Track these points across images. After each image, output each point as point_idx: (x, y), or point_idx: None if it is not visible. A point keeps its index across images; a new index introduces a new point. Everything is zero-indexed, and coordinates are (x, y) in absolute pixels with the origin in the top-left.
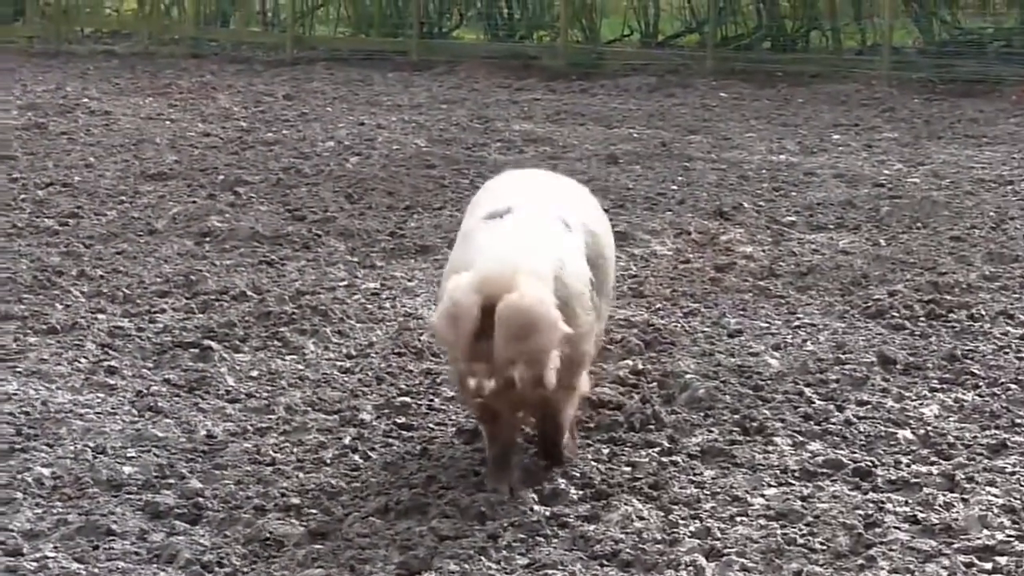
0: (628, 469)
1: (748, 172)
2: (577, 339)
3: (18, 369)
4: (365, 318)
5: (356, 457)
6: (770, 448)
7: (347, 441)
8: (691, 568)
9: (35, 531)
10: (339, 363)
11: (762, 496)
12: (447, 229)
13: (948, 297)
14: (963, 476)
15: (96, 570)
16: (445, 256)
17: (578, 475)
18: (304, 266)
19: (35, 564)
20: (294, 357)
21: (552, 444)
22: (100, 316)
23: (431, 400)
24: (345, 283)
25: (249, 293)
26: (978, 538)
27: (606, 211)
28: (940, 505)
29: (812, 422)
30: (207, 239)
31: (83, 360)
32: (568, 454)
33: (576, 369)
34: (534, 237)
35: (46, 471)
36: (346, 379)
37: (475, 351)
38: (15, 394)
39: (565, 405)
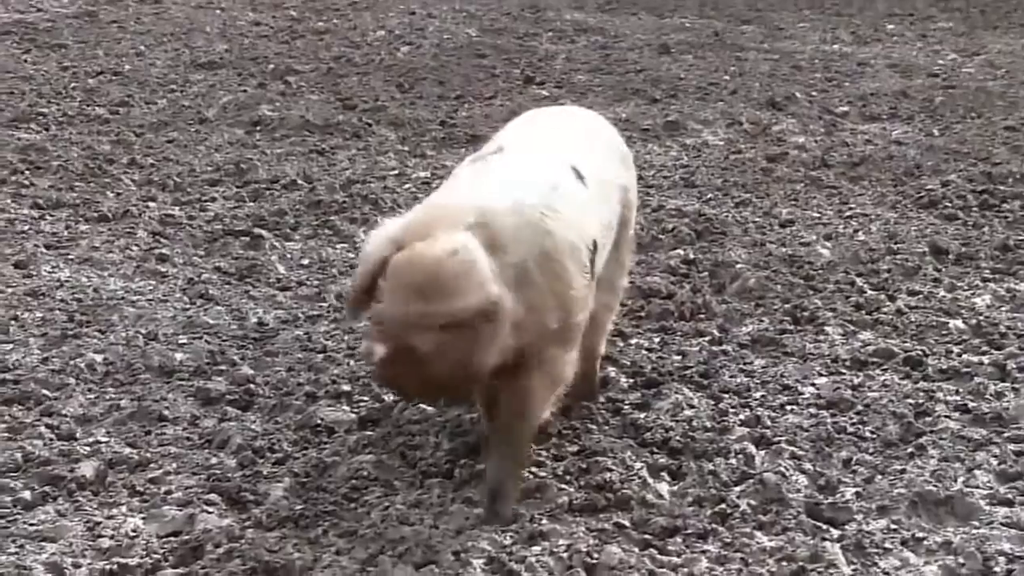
0: (678, 358)
1: (801, 62)
2: (564, 306)
3: (70, 256)
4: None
5: None
6: (821, 338)
7: None
8: (741, 456)
9: (88, 416)
10: None
11: (812, 385)
12: (497, 119)
13: (1001, 187)
14: (1014, 366)
15: (148, 455)
16: None
17: (628, 363)
18: (355, 155)
19: (88, 448)
20: (344, 246)
21: (508, 435)
22: (151, 204)
23: None
24: (396, 172)
25: (300, 182)
26: None
27: (655, 101)
28: (991, 395)
29: (863, 312)
30: (257, 128)
31: (135, 248)
32: (527, 452)
33: (558, 343)
34: (514, 182)
35: (98, 357)
36: None
37: (372, 311)
38: (67, 281)
39: (535, 388)
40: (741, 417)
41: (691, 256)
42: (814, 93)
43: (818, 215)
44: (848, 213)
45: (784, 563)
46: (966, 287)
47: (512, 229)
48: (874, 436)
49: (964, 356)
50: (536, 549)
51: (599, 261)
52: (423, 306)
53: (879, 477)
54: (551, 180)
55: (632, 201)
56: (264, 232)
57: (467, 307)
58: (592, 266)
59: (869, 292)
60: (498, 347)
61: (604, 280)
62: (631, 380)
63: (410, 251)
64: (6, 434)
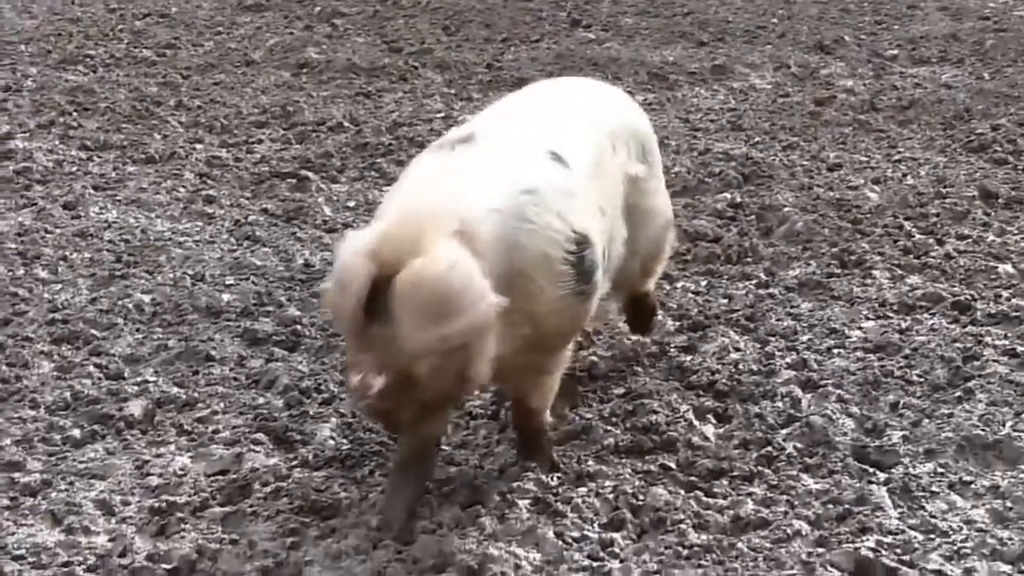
0: (725, 301)
1: (849, 5)
2: (533, 322)
3: (118, 198)
4: None
5: None
6: (868, 281)
7: None
8: (787, 399)
9: (136, 356)
10: None
11: (859, 329)
12: (544, 62)
13: None
14: None
15: (196, 394)
16: None
17: (675, 306)
18: (401, 98)
19: (136, 388)
20: (390, 188)
21: (526, 434)
22: (198, 146)
23: None
24: (442, 115)
25: (346, 124)
26: None
27: (703, 44)
28: None
29: (911, 256)
30: (304, 70)
31: (182, 189)
32: (546, 446)
33: (548, 352)
34: (486, 182)
35: (146, 298)
36: None
37: (363, 337)
38: (115, 222)
39: (533, 389)
40: (787, 360)
41: (738, 199)
42: (863, 36)
43: (866, 159)
44: (897, 157)
45: (830, 506)
46: (1016, 231)
47: (488, 239)
48: (921, 380)
49: (1013, 300)
50: (582, 490)
51: (604, 251)
52: (440, 329)
53: (926, 421)
54: (525, 180)
55: (649, 190)
56: (310, 174)
57: (476, 324)
58: (582, 263)
59: (917, 236)
60: (493, 356)
61: (639, 269)
62: (677, 323)
63: (412, 271)
64: (56, 373)
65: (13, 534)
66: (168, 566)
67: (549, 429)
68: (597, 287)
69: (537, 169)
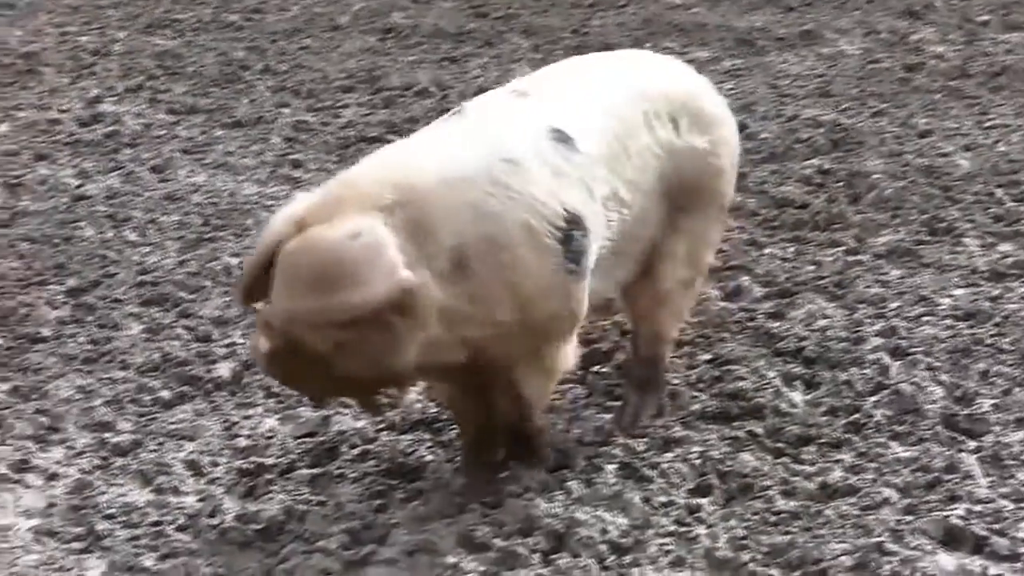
0: (813, 268)
1: None
2: (520, 298)
3: (205, 161)
4: None
5: None
6: (958, 249)
7: None
8: (876, 366)
9: (223, 318)
10: None
11: (950, 296)
12: (630, 28)
13: None
14: None
15: None
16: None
17: (762, 273)
18: (487, 63)
19: (224, 350)
20: None
21: (518, 433)
22: (284, 110)
23: None
24: None
25: (432, 89)
26: None
27: (791, 10)
28: None
29: (1003, 223)
30: (390, 35)
31: (269, 153)
32: (542, 448)
33: (538, 340)
34: (458, 153)
35: (234, 260)
36: None
37: (266, 301)
38: (203, 185)
39: (528, 383)
40: (876, 327)
41: (826, 166)
42: (954, 1)
43: (957, 125)
44: (988, 124)
45: (919, 473)
46: None
47: (442, 209)
48: (1012, 348)
49: None
50: (668, 455)
51: (600, 237)
52: (313, 301)
53: (1017, 389)
54: (507, 150)
55: (711, 168)
56: (396, 139)
57: (369, 299)
58: (570, 242)
59: (1009, 204)
60: (422, 343)
61: (677, 252)
62: (764, 290)
63: (303, 237)
64: (145, 335)
65: (104, 494)
66: (257, 527)
67: (544, 429)
68: (587, 271)
69: (526, 144)
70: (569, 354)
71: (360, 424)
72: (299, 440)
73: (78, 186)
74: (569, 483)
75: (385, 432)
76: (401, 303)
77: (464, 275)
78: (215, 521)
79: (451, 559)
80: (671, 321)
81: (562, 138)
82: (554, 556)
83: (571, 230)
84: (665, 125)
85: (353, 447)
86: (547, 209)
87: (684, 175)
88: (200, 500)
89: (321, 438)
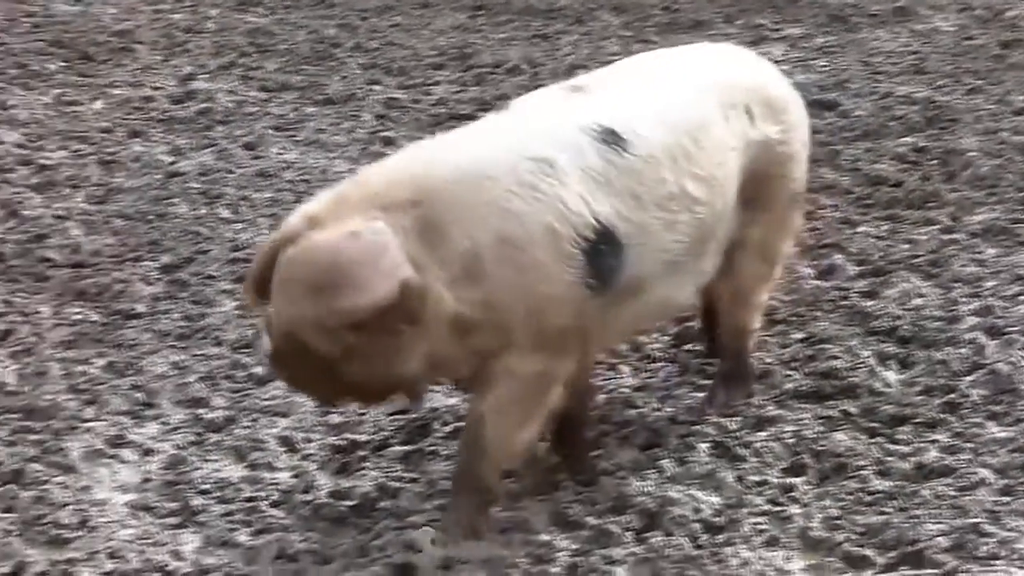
0: (907, 246)
1: None
2: (534, 306)
3: (297, 138)
4: None
5: None
6: None
7: None
8: (971, 346)
9: None
10: None
11: None
12: (722, 4)
13: None
14: None
15: None
16: (719, 33)
17: (855, 251)
18: (577, 40)
19: None
20: None
21: (460, 486)
22: (376, 87)
23: None
24: (619, 57)
25: (523, 67)
26: None
27: None
28: None
29: None
30: (481, 12)
31: (360, 131)
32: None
33: (533, 349)
34: (485, 152)
35: None
36: None
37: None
38: (295, 162)
39: (498, 406)
40: (972, 307)
41: (921, 144)
42: None
43: None
44: None
45: (1016, 454)
46: None
47: (458, 208)
48: None
49: None
50: (762, 435)
51: (659, 247)
52: (311, 306)
53: None
54: (539, 149)
55: (782, 156)
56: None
57: (369, 302)
58: (598, 258)
59: None
60: (431, 353)
61: (753, 244)
62: (858, 268)
63: (305, 239)
64: (238, 312)
65: (199, 469)
66: (350, 503)
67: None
68: (611, 291)
69: (565, 144)
70: (558, 377)
71: (452, 401)
72: (392, 417)
73: (171, 163)
74: (662, 462)
75: None
76: (405, 306)
77: (477, 280)
78: (309, 497)
79: (544, 537)
80: (752, 314)
81: (611, 139)
82: (647, 534)
83: (600, 243)
84: (740, 116)
85: (445, 424)
86: (575, 216)
87: (758, 166)
88: (294, 476)
89: (413, 415)
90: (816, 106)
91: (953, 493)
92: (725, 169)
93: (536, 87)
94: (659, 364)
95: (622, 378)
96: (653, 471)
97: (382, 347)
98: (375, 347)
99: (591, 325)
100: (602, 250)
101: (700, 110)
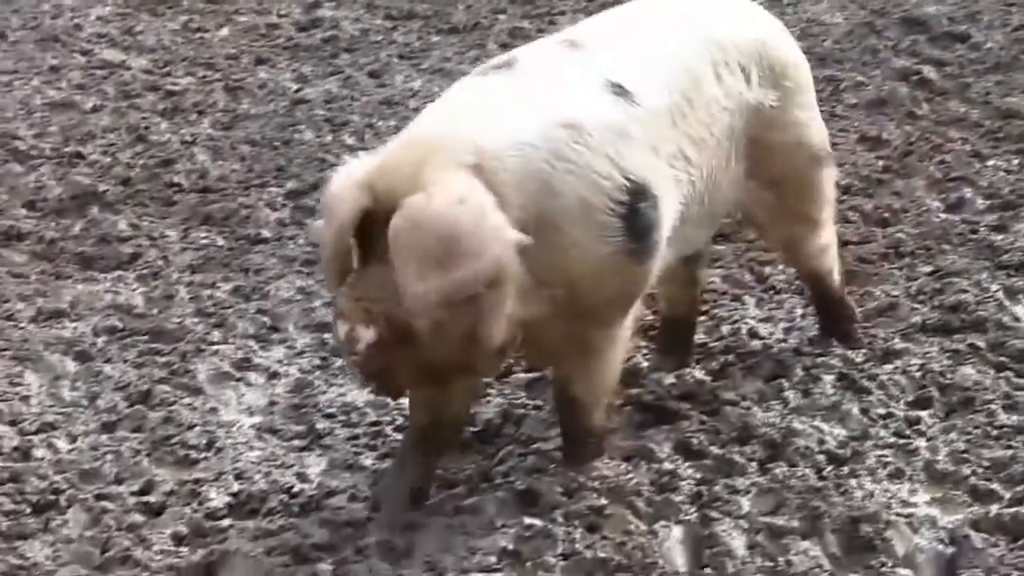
0: None
1: None
2: (567, 281)
3: (422, 67)
4: None
5: None
6: None
7: None
8: None
9: None
10: None
11: None
12: None
13: None
14: None
15: None
16: None
17: (985, 185)
18: None
19: None
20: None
21: (571, 433)
22: (501, 16)
23: None
24: None
25: None
26: None
27: None
28: None
29: None
30: None
31: (484, 60)
32: (597, 453)
33: (594, 324)
34: (518, 112)
35: None
36: None
37: (352, 282)
38: (419, 91)
39: (578, 383)
40: None
41: None
42: None
43: None
44: None
45: None
46: None
47: (515, 175)
48: None
49: None
50: (888, 367)
51: (689, 197)
52: (443, 277)
53: None
54: (565, 113)
55: (783, 123)
56: None
57: (489, 269)
58: (635, 217)
59: None
60: (505, 316)
61: (774, 212)
62: (987, 202)
63: (411, 208)
64: None
65: (324, 393)
66: (474, 429)
67: (603, 432)
68: (656, 247)
69: (585, 101)
70: (624, 337)
71: None
72: None
73: (297, 90)
74: (786, 393)
75: None
76: (505, 271)
77: (525, 252)
78: None
79: (668, 465)
80: (813, 260)
81: (621, 92)
82: (770, 465)
83: (635, 203)
84: (735, 74)
85: None
86: (607, 181)
87: (757, 131)
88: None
89: None
90: (947, 38)
91: None
92: (715, 131)
93: None
94: (784, 295)
95: (746, 308)
96: (777, 402)
97: (469, 316)
98: (464, 317)
99: (636, 291)
100: (638, 209)
101: (694, 67)
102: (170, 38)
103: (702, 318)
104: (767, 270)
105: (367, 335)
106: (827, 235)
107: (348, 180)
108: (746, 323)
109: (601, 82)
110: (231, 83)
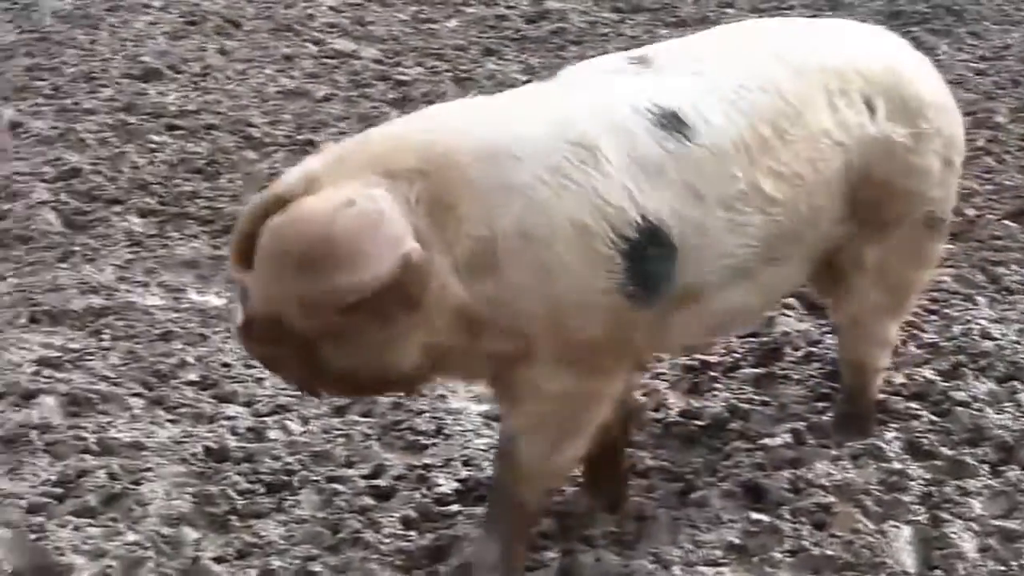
0: None
1: None
2: (556, 312)
3: None
4: (1001, 19)
5: (990, 159)
6: None
7: (980, 143)
8: None
9: None
10: (973, 64)
11: None
12: None
13: None
14: None
15: None
16: None
17: None
18: None
19: None
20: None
21: (498, 487)
22: (728, 11)
23: None
24: None
25: None
26: None
27: None
28: None
29: None
30: None
31: None
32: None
33: (561, 362)
34: (514, 118)
35: None
36: (980, 81)
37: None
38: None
39: (528, 443)
40: None
41: None
42: None
43: None
44: None
45: None
46: None
47: (476, 187)
48: None
49: None
50: None
51: (722, 252)
52: (298, 283)
53: None
54: (582, 132)
55: (911, 166)
56: None
57: (366, 282)
58: (643, 262)
59: None
60: (430, 344)
61: (871, 268)
62: None
63: (293, 207)
64: None
65: None
66: (701, 423)
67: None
68: (660, 299)
69: (613, 126)
70: (596, 411)
71: (804, 326)
72: (743, 340)
73: (525, 81)
74: (1019, 395)
75: (830, 336)
76: (405, 288)
77: (488, 273)
78: (660, 415)
79: (897, 465)
80: (873, 349)
81: (671, 123)
82: (1003, 468)
83: (645, 244)
84: (855, 106)
85: (796, 349)
86: (615, 211)
87: (875, 171)
88: (644, 395)
89: (765, 338)
90: None
91: None
92: (819, 166)
93: (894, 13)
94: (1019, 296)
95: (978, 309)
96: (1010, 404)
97: (374, 333)
98: (366, 333)
99: (635, 339)
100: (648, 253)
101: (798, 93)
102: (400, 28)
103: (932, 317)
104: (1000, 270)
105: (237, 317)
106: (895, 331)
107: (301, 167)
108: (978, 323)
109: (648, 107)
110: (459, 74)
